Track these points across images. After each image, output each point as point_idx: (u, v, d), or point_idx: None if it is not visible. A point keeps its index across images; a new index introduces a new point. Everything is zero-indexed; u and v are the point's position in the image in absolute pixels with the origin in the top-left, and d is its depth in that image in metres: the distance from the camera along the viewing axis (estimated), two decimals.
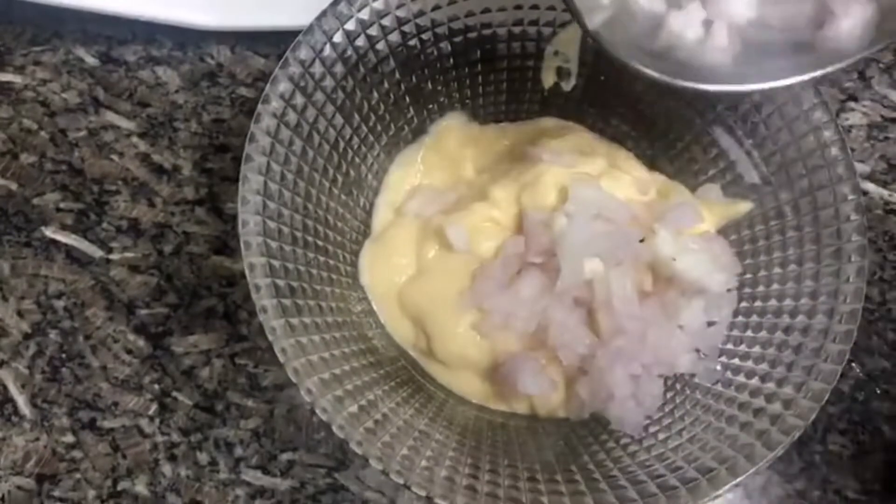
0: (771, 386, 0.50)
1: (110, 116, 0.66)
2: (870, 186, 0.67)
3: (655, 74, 0.40)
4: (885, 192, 0.67)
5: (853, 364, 0.62)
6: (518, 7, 0.57)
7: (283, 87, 0.51)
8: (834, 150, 0.52)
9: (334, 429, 0.45)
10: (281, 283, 0.49)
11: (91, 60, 0.67)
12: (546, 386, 0.53)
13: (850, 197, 0.52)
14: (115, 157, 0.65)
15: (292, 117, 0.52)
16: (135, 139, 0.65)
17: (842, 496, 0.60)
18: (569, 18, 0.57)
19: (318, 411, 0.45)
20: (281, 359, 0.46)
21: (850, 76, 0.69)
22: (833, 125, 0.52)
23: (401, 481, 0.44)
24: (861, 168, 0.67)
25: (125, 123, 0.66)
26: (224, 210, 0.63)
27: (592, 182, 0.54)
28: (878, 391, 0.62)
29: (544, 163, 0.56)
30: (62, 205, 0.63)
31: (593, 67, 0.59)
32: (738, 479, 0.46)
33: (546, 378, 0.53)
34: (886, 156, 0.68)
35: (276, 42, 0.67)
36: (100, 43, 0.68)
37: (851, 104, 0.69)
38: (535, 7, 0.56)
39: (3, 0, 0.62)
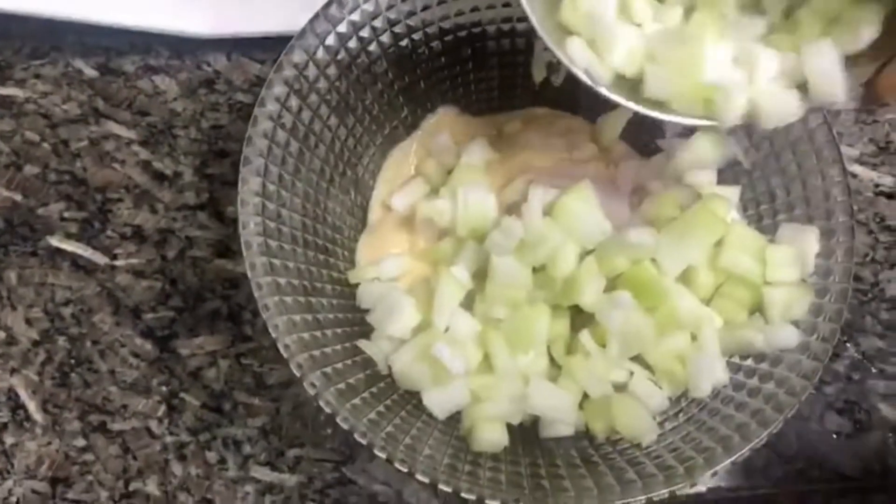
0: (765, 366, 0.52)
1: (111, 126, 0.67)
2: (858, 169, 0.68)
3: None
4: (874, 175, 0.68)
5: (848, 344, 0.63)
6: (507, 5, 0.58)
7: (279, 90, 0.52)
8: (820, 136, 0.53)
9: (339, 420, 0.46)
10: (282, 280, 0.50)
11: (90, 72, 0.68)
12: None
13: (837, 179, 0.53)
14: (116, 165, 0.66)
15: (288, 119, 0.53)
16: (135, 147, 0.66)
17: (840, 475, 0.61)
18: None
19: (322, 404, 0.46)
20: (285, 354, 0.47)
21: None
22: (819, 111, 0.53)
23: (405, 469, 0.45)
24: (850, 152, 0.68)
25: (125, 132, 0.67)
26: (225, 214, 0.65)
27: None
28: (874, 370, 0.63)
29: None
30: (66, 214, 0.65)
31: None
32: (734, 457, 0.47)
33: None
34: (875, 139, 0.69)
35: (271, 47, 0.68)
36: (98, 54, 0.69)
37: None
38: None
39: (2, 15, 0.63)
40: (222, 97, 0.68)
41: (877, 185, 0.68)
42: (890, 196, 0.67)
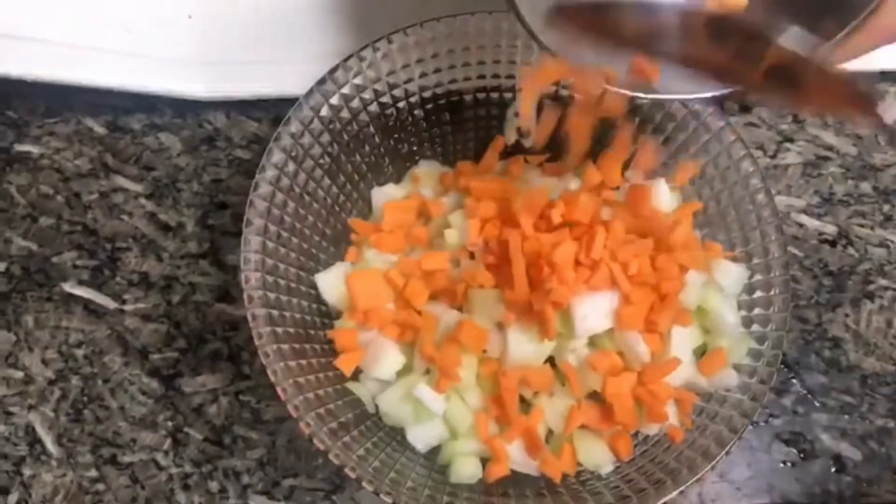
0: (711, 405, 0.58)
1: (119, 180, 0.73)
2: (804, 219, 0.74)
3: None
4: (818, 224, 0.74)
5: (794, 380, 0.70)
6: (481, 77, 0.64)
7: (277, 157, 0.58)
8: (760, 198, 0.60)
9: (331, 457, 0.52)
10: (279, 330, 0.56)
11: (100, 129, 0.74)
12: None
13: (775, 237, 0.59)
14: (124, 216, 0.72)
15: (286, 183, 0.59)
16: (142, 200, 0.72)
17: (786, 500, 0.67)
18: None
19: (316, 442, 0.52)
20: (283, 397, 0.53)
21: (786, 119, 0.77)
22: (759, 174, 0.60)
23: (390, 501, 0.51)
24: (797, 203, 0.75)
25: (133, 186, 0.73)
26: (225, 262, 0.70)
27: None
28: (817, 404, 0.69)
29: None
30: (79, 262, 0.70)
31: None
32: (682, 487, 0.53)
33: None
34: (820, 191, 0.75)
35: (267, 107, 0.74)
36: (107, 113, 0.75)
37: (787, 145, 0.76)
38: (496, 76, 0.64)
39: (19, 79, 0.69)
40: (222, 153, 0.74)
41: (821, 234, 0.74)
42: (833, 244, 0.74)
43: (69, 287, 0.70)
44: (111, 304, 0.69)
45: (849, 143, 0.77)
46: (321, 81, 0.60)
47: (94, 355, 0.68)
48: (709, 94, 0.50)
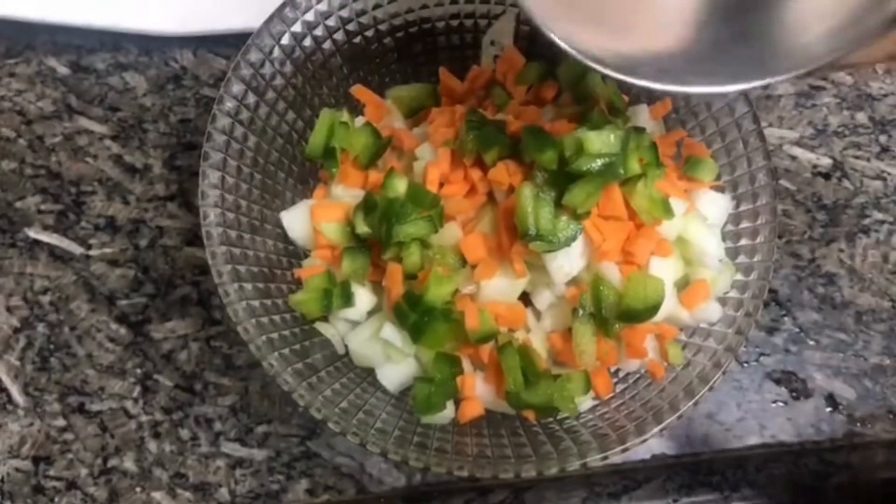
0: (694, 339, 0.55)
1: (83, 122, 0.70)
2: (797, 151, 0.71)
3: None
4: (812, 156, 0.71)
5: (786, 318, 0.67)
6: (454, 2, 0.61)
7: (236, 88, 0.56)
8: (746, 124, 0.57)
9: (295, 397, 0.50)
10: (241, 268, 0.53)
11: (63, 70, 0.71)
12: None
13: (762, 162, 0.56)
14: (89, 159, 0.69)
15: (246, 116, 0.56)
16: (107, 142, 0.70)
17: (777, 440, 0.64)
18: (502, 10, 0.61)
19: (280, 382, 0.50)
20: (245, 338, 0.51)
21: None
22: (745, 100, 0.57)
23: (357, 441, 0.49)
24: (789, 134, 0.72)
25: (98, 127, 0.70)
26: (194, 204, 0.68)
27: None
28: (810, 342, 0.67)
29: None
30: (43, 206, 0.68)
31: (527, 54, 0.63)
32: (663, 425, 0.50)
33: None
34: (813, 122, 0.72)
35: (235, 43, 0.71)
36: (70, 53, 0.72)
37: None
38: (469, 2, 0.61)
39: None
40: (189, 92, 0.71)
41: (815, 167, 0.71)
42: (827, 176, 0.71)
43: (33, 232, 0.67)
44: (77, 249, 0.67)
45: (844, 72, 0.74)
46: (282, 7, 0.57)
47: (59, 302, 0.66)
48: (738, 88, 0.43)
